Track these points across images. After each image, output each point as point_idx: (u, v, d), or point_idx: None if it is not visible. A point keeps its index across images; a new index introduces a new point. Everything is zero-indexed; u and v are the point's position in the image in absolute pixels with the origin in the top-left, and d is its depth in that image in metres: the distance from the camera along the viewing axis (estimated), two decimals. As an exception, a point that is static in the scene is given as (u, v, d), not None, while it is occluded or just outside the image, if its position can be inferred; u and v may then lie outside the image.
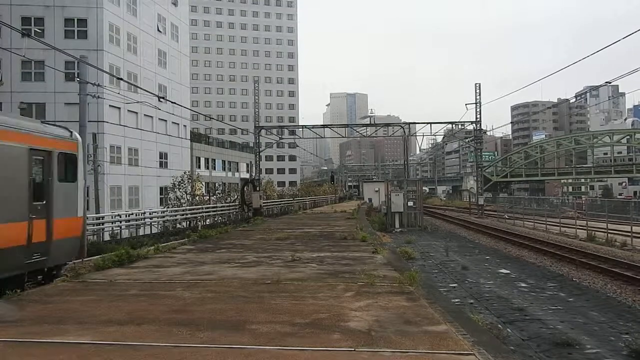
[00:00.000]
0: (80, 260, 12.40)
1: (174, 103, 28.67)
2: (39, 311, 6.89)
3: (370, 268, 10.12)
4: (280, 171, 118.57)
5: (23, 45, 25.98)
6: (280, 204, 48.89)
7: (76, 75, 25.02)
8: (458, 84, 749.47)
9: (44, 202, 10.26)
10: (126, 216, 29.29)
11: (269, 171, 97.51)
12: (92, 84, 20.67)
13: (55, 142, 10.88)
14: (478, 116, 47.81)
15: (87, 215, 17.03)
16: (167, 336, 5.59)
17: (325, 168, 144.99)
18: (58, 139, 11.09)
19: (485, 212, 50.30)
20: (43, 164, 10.41)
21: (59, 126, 11.72)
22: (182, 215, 30.05)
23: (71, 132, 11.80)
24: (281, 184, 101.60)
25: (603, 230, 25.65)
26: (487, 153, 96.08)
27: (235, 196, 41.84)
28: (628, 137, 78.70)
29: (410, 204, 35.49)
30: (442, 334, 5.65)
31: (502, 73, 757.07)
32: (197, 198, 37.30)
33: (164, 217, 29.19)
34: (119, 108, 39.76)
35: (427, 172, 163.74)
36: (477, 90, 48.13)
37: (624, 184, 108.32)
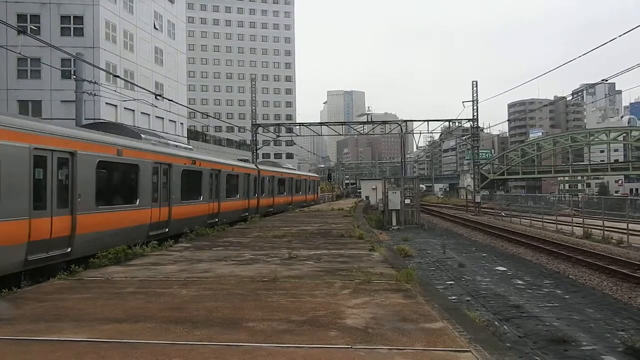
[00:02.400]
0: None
1: (171, 101, 28.62)
2: (35, 309, 6.87)
3: (367, 265, 10.13)
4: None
5: (19, 43, 25.88)
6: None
7: (72, 72, 24.94)
8: (455, 82, 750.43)
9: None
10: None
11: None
12: (88, 81, 20.64)
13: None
14: (475, 114, 47.86)
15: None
16: (164, 334, 5.59)
17: (323, 166, 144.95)
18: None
19: (482, 209, 50.38)
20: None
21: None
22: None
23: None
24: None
25: (599, 227, 25.74)
26: (484, 151, 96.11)
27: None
28: (624, 134, 78.85)
29: (408, 201, 35.51)
30: (439, 331, 5.65)
31: (499, 71, 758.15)
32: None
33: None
34: (116, 106, 39.64)
35: (424, 169, 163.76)
36: (474, 88, 48.16)
37: (620, 181, 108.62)
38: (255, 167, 30.56)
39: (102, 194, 12.95)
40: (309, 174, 57.35)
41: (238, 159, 32.67)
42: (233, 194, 25.32)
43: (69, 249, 11.56)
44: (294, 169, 52.07)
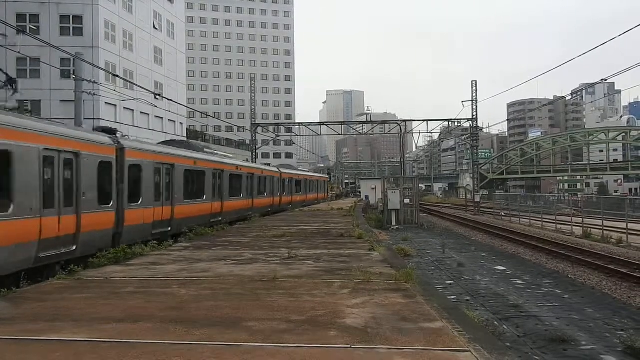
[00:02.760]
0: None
1: (170, 100, 28.63)
2: (34, 309, 6.87)
3: (366, 265, 10.13)
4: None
5: (18, 42, 25.85)
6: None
7: (72, 72, 24.94)
8: (455, 82, 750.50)
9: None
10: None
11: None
12: (88, 81, 20.63)
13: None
14: (474, 113, 47.87)
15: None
16: (163, 333, 5.59)
17: (322, 165, 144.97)
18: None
19: (481, 209, 50.36)
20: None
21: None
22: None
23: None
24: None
25: (599, 227, 25.74)
26: (483, 150, 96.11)
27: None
28: (624, 134, 78.86)
29: (407, 201, 35.51)
30: (438, 330, 5.66)
31: (499, 71, 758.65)
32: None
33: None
34: (115, 105, 39.65)
35: (424, 169, 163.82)
36: (474, 88, 48.16)
37: (619, 181, 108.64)
38: (277, 171, 35.98)
39: (187, 191, 18.88)
40: (320, 175, 64.84)
41: (262, 164, 39.42)
42: (263, 192, 30.80)
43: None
44: (307, 171, 59.09)
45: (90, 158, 12.26)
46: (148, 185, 15.51)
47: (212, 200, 21.46)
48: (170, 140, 27.08)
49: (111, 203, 13.33)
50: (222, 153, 27.58)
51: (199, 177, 20.26)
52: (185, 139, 51.78)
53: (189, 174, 18.98)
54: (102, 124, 38.31)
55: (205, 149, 24.17)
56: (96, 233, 12.53)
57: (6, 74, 13.79)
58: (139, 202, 14.89)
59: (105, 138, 13.54)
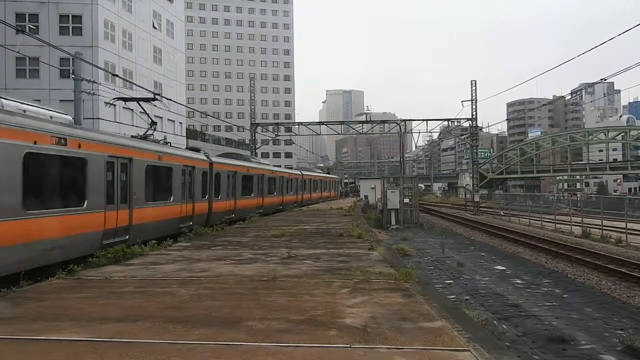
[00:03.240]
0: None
1: (170, 100, 28.59)
2: (34, 308, 6.87)
3: (366, 265, 10.13)
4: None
5: (17, 42, 25.84)
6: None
7: (71, 72, 24.93)
8: (454, 81, 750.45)
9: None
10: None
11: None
12: (87, 80, 20.60)
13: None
14: (474, 113, 47.87)
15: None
16: (162, 333, 5.59)
17: (322, 165, 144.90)
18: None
19: (480, 209, 50.39)
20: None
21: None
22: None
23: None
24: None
25: (598, 226, 25.76)
26: (482, 150, 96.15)
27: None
28: (623, 134, 78.87)
29: (406, 200, 35.50)
30: (438, 330, 5.66)
31: (498, 71, 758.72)
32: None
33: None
34: (114, 105, 39.55)
35: (423, 169, 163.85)
36: (473, 88, 48.17)
37: (618, 180, 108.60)
38: (300, 173, 44.47)
39: (243, 190, 26.09)
40: (332, 176, 75.60)
41: (285, 166, 48.15)
42: (290, 191, 38.32)
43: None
44: (321, 173, 66.57)
45: (199, 170, 19.93)
46: (224, 186, 23.07)
47: (258, 197, 29.24)
48: (228, 152, 35.69)
49: (206, 197, 20.74)
50: (263, 161, 35.97)
51: (250, 180, 27.80)
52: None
53: (245, 178, 26.62)
54: (102, 123, 38.45)
55: (251, 159, 32.57)
56: (201, 215, 20.02)
57: (151, 119, 18.54)
58: (219, 197, 22.36)
59: (204, 157, 21.24)
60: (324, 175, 64.01)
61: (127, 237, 13.90)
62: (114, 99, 19.36)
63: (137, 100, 20.10)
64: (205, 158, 21.08)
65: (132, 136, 17.52)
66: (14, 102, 11.00)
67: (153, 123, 18.34)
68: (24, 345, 5.22)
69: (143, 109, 19.22)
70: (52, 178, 11.43)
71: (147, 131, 17.93)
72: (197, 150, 22.65)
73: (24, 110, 10.96)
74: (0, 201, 9.44)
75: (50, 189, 11.42)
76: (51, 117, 12.31)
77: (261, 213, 28.09)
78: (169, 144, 18.79)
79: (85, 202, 12.15)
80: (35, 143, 10.20)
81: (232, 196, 24.11)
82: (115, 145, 13.91)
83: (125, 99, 21.47)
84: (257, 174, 28.89)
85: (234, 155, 29.45)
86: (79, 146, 11.93)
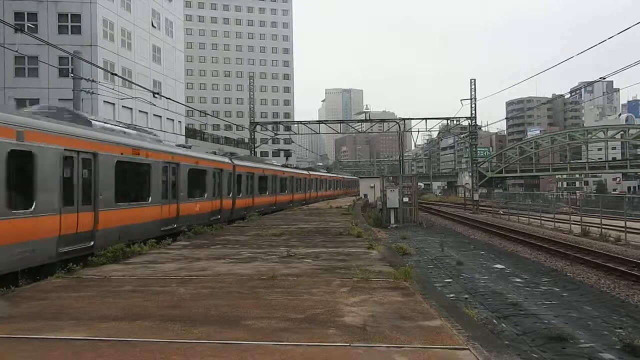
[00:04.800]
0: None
1: (169, 99, 28.56)
2: (33, 307, 6.86)
3: (365, 263, 10.12)
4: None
5: (16, 41, 25.79)
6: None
7: (70, 71, 24.90)
8: (454, 81, 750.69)
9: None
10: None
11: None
12: (86, 79, 20.57)
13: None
14: (473, 112, 47.87)
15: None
16: (162, 332, 5.58)
17: (321, 164, 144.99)
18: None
19: (480, 207, 50.42)
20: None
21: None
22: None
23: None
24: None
25: (597, 225, 25.79)
26: (482, 149, 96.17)
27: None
28: (622, 132, 78.94)
29: (406, 199, 35.53)
30: (437, 329, 5.66)
31: (498, 70, 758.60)
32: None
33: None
34: (114, 104, 39.57)
35: (422, 167, 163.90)
36: (472, 86, 48.17)
37: (618, 179, 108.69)
38: (307, 173, 46.92)
39: (261, 189, 29.61)
40: (351, 176, 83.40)
41: (295, 167, 49.91)
42: (300, 189, 41.89)
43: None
44: (333, 173, 75.42)
45: (226, 171, 23.07)
46: (245, 186, 26.10)
47: (272, 195, 32.45)
48: (248, 156, 37.56)
49: (230, 194, 23.59)
50: (273, 162, 40.55)
51: (265, 180, 30.92)
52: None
53: (261, 179, 29.80)
54: (101, 122, 38.41)
55: (265, 161, 37.46)
56: (227, 210, 23.12)
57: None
58: (241, 195, 25.26)
59: (228, 160, 24.10)
60: (340, 175, 74.95)
61: (175, 225, 17.20)
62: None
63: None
64: (229, 161, 24.25)
65: (176, 145, 22.06)
66: (99, 122, 13.85)
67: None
68: (23, 345, 5.21)
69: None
70: None
71: (185, 144, 24.24)
72: (231, 153, 27.54)
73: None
74: None
75: None
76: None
77: (274, 209, 31.67)
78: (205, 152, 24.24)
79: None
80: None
81: (250, 194, 27.38)
82: (171, 154, 17.60)
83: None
84: (271, 174, 32.76)
85: (254, 159, 33.19)
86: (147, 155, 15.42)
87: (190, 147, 22.14)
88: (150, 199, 15.54)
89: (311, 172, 48.79)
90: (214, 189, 21.70)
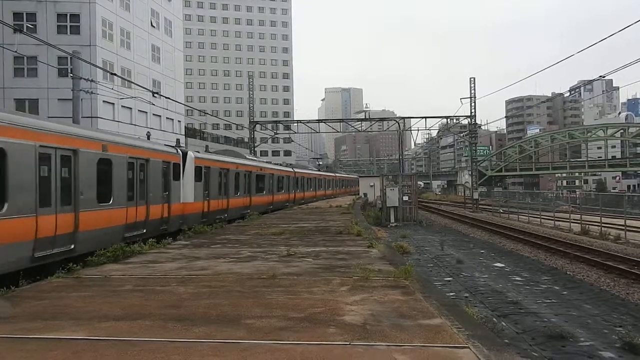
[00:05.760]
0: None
1: (168, 98, 28.55)
2: (33, 307, 6.86)
3: (365, 262, 10.13)
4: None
5: (15, 41, 25.75)
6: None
7: (69, 71, 24.88)
8: (454, 80, 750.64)
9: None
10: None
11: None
12: (85, 79, 20.56)
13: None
14: (473, 111, 47.88)
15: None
16: (162, 331, 5.58)
17: (321, 163, 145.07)
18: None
19: (479, 206, 50.43)
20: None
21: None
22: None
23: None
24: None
25: (597, 223, 25.79)
26: (481, 147, 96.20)
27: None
28: (622, 131, 78.94)
29: (406, 198, 35.50)
30: (437, 327, 5.66)
31: (498, 68, 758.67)
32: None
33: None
34: (113, 104, 39.56)
35: (422, 166, 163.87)
36: (472, 85, 48.18)
37: (617, 178, 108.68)
38: (290, 170, 47.19)
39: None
40: (353, 175, 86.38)
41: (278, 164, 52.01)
42: (311, 188, 45.93)
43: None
44: (347, 174, 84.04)
45: (254, 173, 26.38)
46: (267, 185, 30.28)
47: (289, 192, 36.73)
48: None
49: (264, 192, 28.19)
50: (284, 164, 44.08)
51: (281, 180, 34.98)
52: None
53: (279, 179, 34.23)
54: (100, 122, 38.43)
55: (281, 163, 41.83)
56: (259, 205, 26.97)
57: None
58: (263, 193, 27.58)
59: (257, 163, 27.80)
60: (347, 175, 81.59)
61: (249, 210, 24.30)
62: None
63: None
64: (291, 169, 28.49)
65: (248, 156, 27.64)
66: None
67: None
68: (23, 344, 5.21)
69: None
70: None
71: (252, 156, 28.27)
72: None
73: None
74: None
75: None
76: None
77: (292, 204, 35.87)
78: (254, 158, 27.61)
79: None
80: None
81: (270, 192, 31.20)
82: (241, 164, 23.31)
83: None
84: (287, 175, 36.38)
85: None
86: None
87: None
88: None
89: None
90: (246, 188, 26.20)
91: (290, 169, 40.41)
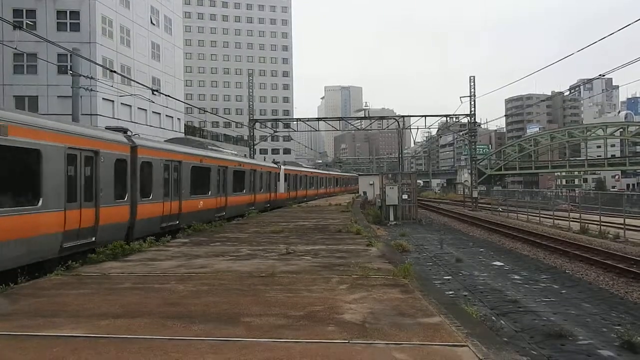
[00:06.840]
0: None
1: (168, 96, 28.49)
2: (32, 305, 6.86)
3: (364, 261, 10.13)
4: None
5: (15, 38, 25.73)
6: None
7: (69, 68, 24.83)
8: (453, 79, 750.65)
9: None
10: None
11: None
12: (85, 76, 20.52)
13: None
14: (472, 109, 47.82)
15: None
16: (161, 329, 5.59)
17: (320, 161, 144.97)
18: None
19: (479, 205, 50.43)
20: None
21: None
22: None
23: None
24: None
25: (596, 222, 25.79)
26: (481, 146, 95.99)
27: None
28: (621, 130, 78.91)
29: (405, 197, 35.51)
30: (436, 325, 5.66)
31: (498, 68, 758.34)
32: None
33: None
34: (113, 101, 39.52)
35: (422, 165, 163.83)
36: (472, 83, 48.11)
37: (617, 176, 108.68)
38: (275, 166, 53.98)
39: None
40: (353, 174, 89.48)
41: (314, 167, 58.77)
42: (314, 186, 49.21)
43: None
44: (344, 172, 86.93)
45: (274, 173, 28.90)
46: (292, 183, 34.37)
47: (304, 189, 41.40)
48: (290, 161, 46.33)
49: (285, 189, 32.17)
50: (300, 164, 49.78)
51: (296, 177, 38.79)
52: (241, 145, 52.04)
53: (298, 177, 39.49)
54: (100, 120, 38.41)
55: (302, 164, 48.44)
56: (279, 200, 31.23)
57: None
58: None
59: (274, 165, 28.21)
60: (348, 174, 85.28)
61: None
62: None
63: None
64: (275, 165, 30.33)
65: (273, 161, 30.36)
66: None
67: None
68: (22, 342, 5.21)
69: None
70: None
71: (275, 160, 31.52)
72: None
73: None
74: None
75: None
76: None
77: (307, 200, 40.86)
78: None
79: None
80: None
81: (294, 189, 35.17)
82: (259, 165, 26.17)
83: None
84: (301, 174, 41.76)
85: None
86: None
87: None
88: None
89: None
90: (269, 185, 31.49)
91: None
